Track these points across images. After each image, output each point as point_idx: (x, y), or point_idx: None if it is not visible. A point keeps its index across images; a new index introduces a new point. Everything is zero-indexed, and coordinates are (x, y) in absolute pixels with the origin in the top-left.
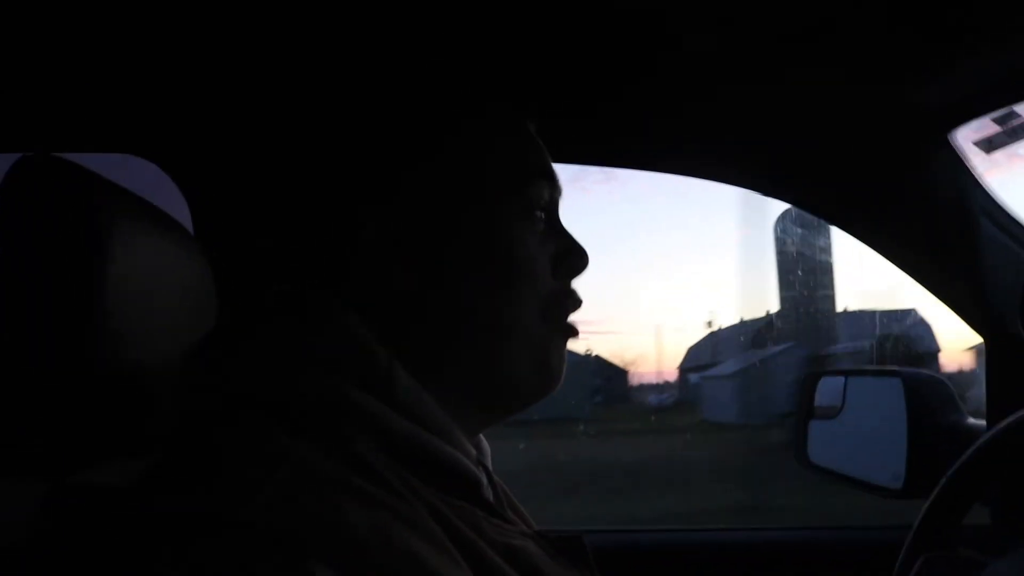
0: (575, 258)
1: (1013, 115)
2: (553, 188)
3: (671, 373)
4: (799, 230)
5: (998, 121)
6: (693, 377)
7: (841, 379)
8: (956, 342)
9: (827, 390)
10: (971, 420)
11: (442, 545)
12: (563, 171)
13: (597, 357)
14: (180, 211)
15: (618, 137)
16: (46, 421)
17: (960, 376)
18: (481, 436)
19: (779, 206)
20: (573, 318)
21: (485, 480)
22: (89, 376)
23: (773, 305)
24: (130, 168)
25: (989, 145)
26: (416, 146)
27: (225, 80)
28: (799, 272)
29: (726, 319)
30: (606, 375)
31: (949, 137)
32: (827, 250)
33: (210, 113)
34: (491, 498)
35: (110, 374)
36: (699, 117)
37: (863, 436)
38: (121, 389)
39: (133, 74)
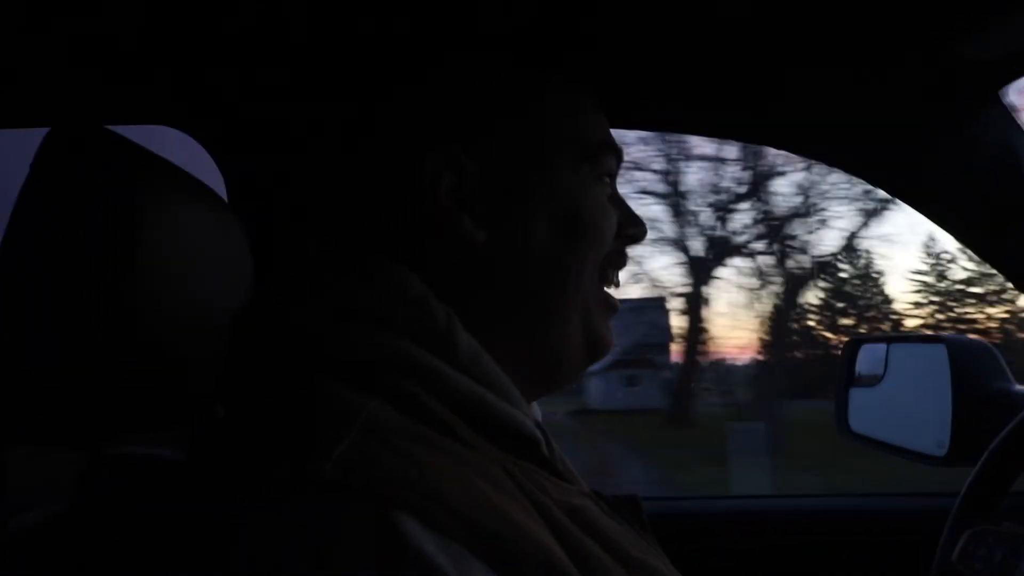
0: (637, 226)
1: None
2: (619, 159)
3: None
4: None
5: None
6: None
7: (883, 346)
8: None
9: (868, 358)
10: (1019, 387)
11: (518, 497)
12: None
13: None
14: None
15: (670, 103)
16: (84, 392)
17: None
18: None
19: None
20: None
21: (544, 440)
22: (126, 345)
23: None
24: (164, 139)
25: None
26: (501, 103)
27: (261, 49)
28: None
29: None
30: None
31: (1000, 94)
32: None
33: (244, 84)
34: (551, 458)
35: (148, 342)
36: (747, 83)
37: (906, 404)
38: (158, 358)
39: (166, 44)
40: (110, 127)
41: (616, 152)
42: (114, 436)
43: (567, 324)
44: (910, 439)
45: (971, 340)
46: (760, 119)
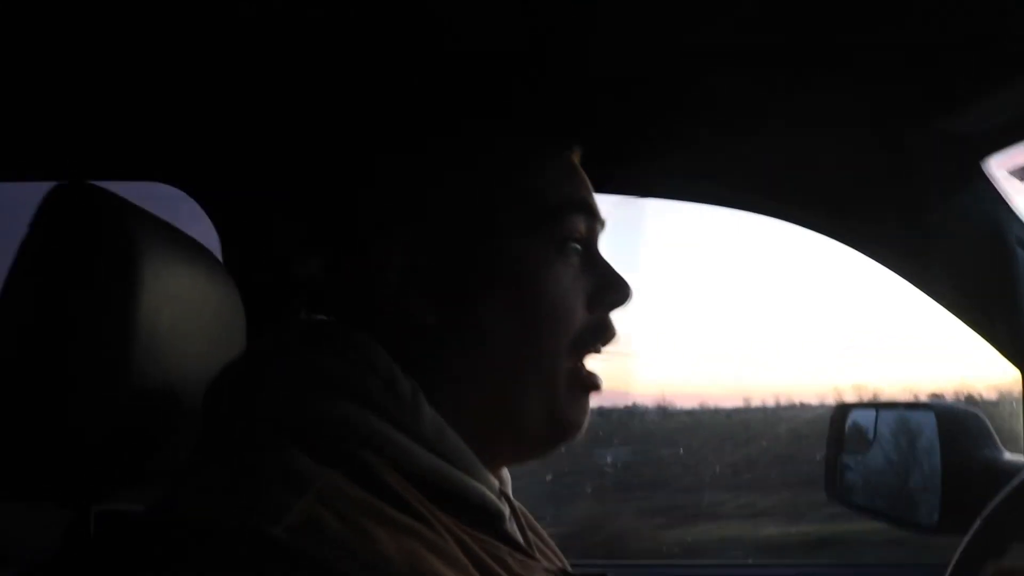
0: (615, 291)
1: None
2: (591, 219)
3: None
4: None
5: None
6: None
7: (872, 412)
8: None
9: (858, 423)
10: (1008, 456)
11: (466, 571)
12: None
13: None
14: (208, 239)
15: (646, 167)
16: (76, 449)
17: None
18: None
19: None
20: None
21: (508, 512)
22: (119, 403)
23: None
24: (160, 196)
25: None
26: (434, 174)
27: (255, 109)
28: None
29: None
30: None
31: (983, 165)
32: None
33: (239, 142)
34: (515, 531)
35: (141, 401)
36: (725, 148)
37: (895, 470)
38: (151, 416)
39: (164, 103)
40: (106, 185)
41: (584, 211)
42: (105, 494)
43: (526, 404)
44: (900, 506)
45: (960, 408)
46: (747, 186)
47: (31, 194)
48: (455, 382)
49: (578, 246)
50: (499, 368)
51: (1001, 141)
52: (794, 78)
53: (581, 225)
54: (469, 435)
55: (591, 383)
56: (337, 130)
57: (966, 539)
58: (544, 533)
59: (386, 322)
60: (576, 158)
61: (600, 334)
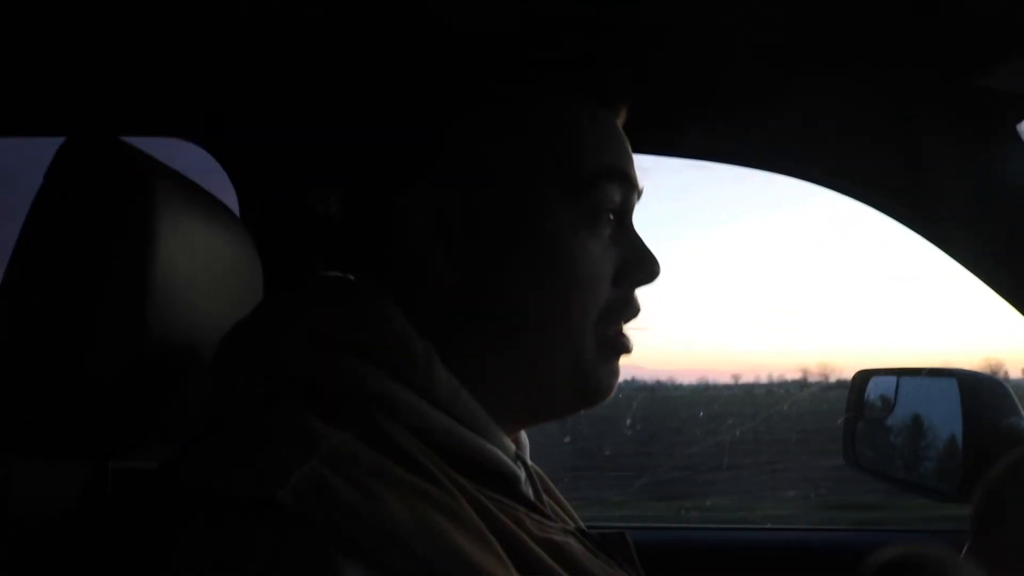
0: (643, 268)
1: None
2: (627, 189)
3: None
4: None
5: None
6: None
7: (893, 378)
8: None
9: (878, 389)
10: None
11: (484, 538)
12: None
13: None
14: (225, 195)
15: (672, 127)
16: (92, 404)
17: None
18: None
19: None
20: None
21: (524, 476)
22: (135, 358)
23: None
24: (178, 152)
25: None
26: (470, 132)
27: (272, 64)
28: None
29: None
30: None
31: (1018, 127)
32: None
33: (257, 97)
34: (530, 494)
35: (157, 355)
36: (754, 105)
37: (915, 437)
38: (167, 371)
39: (180, 58)
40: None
41: (620, 180)
42: (122, 449)
43: (552, 371)
44: (919, 473)
45: (982, 375)
46: (772, 148)
47: (45, 150)
48: (476, 346)
49: (611, 217)
50: (523, 336)
51: None
52: (831, 33)
53: (616, 195)
54: (487, 399)
55: (622, 347)
56: (362, 81)
57: None
58: (560, 496)
59: (405, 281)
60: (621, 119)
61: (624, 310)
